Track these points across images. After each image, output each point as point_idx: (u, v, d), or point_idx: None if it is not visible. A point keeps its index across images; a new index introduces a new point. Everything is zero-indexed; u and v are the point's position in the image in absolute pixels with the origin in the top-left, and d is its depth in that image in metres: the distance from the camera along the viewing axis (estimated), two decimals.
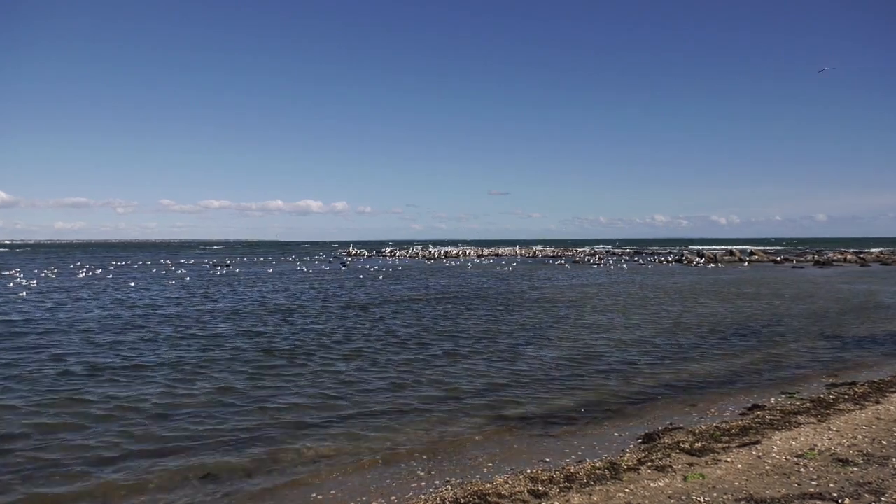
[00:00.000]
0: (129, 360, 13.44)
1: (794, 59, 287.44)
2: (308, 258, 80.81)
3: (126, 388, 11.09)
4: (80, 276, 43.21)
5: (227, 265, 60.36)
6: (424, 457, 7.89)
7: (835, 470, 6.32)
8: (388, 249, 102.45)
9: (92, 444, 8.28)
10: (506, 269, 53.93)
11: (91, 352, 14.57)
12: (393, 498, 6.57)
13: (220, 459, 7.73)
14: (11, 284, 34.88)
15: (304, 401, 10.40)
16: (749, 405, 9.91)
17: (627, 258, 75.53)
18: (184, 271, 49.79)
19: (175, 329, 18.08)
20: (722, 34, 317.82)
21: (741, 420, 8.85)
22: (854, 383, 11.07)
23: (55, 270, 49.15)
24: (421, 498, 6.43)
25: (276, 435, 8.66)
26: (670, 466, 6.68)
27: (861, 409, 9.00)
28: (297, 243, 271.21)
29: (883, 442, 7.26)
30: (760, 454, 6.95)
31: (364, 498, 6.62)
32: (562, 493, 6.12)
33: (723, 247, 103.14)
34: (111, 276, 44.09)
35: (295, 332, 17.84)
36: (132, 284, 35.25)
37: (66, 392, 10.76)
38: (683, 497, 5.81)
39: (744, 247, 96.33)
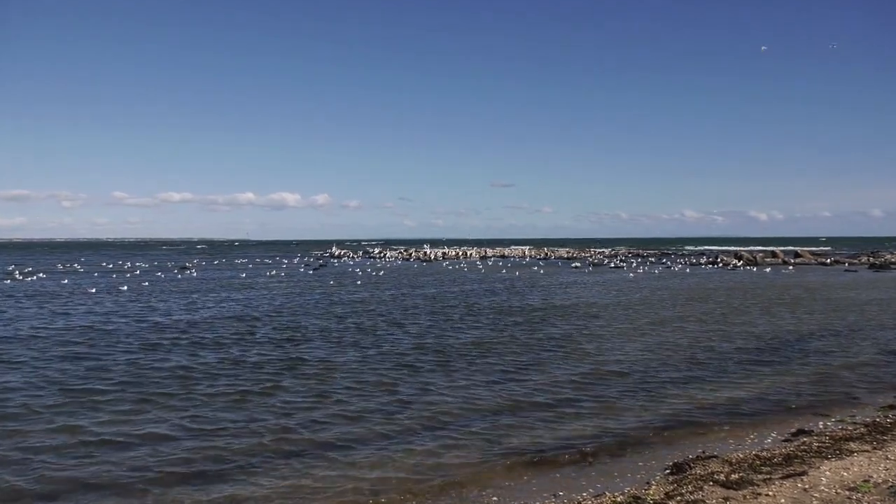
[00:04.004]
0: None
1: (844, 33, 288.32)
2: (286, 260, 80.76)
3: None
4: (9, 282, 42.63)
5: (187, 268, 60.47)
6: (419, 490, 7.88)
7: None
8: (376, 250, 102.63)
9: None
10: (514, 273, 53.96)
11: None
12: None
13: (184, 495, 7.73)
14: None
15: (281, 424, 10.40)
16: (793, 430, 9.93)
17: (654, 260, 75.69)
18: (128, 276, 49.59)
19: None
20: (761, 7, 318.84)
21: (784, 447, 8.86)
22: None
23: None
24: None
25: (246, 467, 8.65)
26: (703, 501, 6.69)
27: None
28: (272, 242, 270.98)
29: None
30: (807, 487, 6.96)
31: None
32: None
33: (763, 247, 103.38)
34: (50, 281, 43.97)
35: (264, 349, 17.80)
36: (92, 291, 34.70)
37: None
38: None
39: (788, 247, 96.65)
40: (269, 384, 13.07)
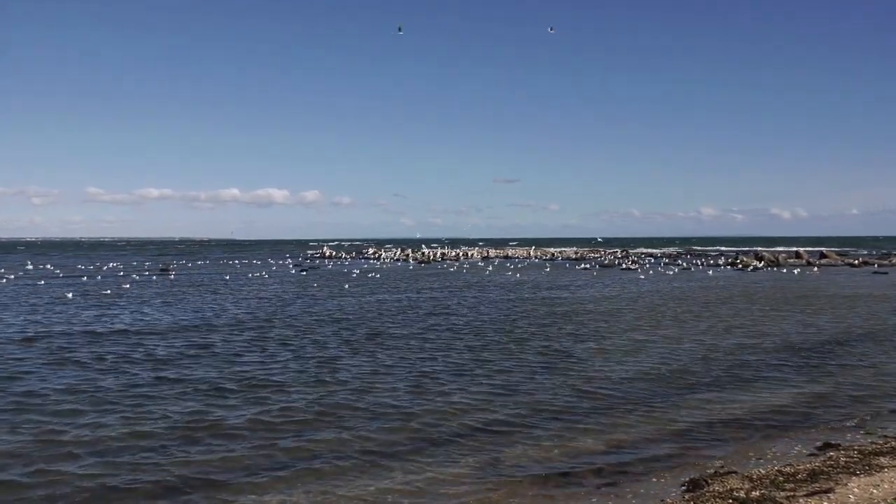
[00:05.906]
0: None
1: (870, 19, 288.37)
2: (273, 260, 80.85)
3: None
4: None
5: (166, 270, 60.67)
6: None
7: None
8: (371, 250, 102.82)
9: None
10: (517, 275, 54.03)
11: None
12: None
13: None
14: None
15: (267, 435, 10.40)
16: (819, 444, 9.93)
17: (668, 261, 75.84)
18: (99, 279, 49.61)
19: None
20: None
21: (809, 462, 8.86)
22: None
23: None
24: None
25: (232, 482, 8.65)
26: None
27: None
28: (259, 242, 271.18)
29: None
30: None
31: None
32: None
33: (786, 247, 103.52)
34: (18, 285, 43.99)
35: (238, 366, 17.77)
36: (69, 296, 34.79)
37: None
38: None
39: (812, 247, 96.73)
40: (236, 403, 13.04)
